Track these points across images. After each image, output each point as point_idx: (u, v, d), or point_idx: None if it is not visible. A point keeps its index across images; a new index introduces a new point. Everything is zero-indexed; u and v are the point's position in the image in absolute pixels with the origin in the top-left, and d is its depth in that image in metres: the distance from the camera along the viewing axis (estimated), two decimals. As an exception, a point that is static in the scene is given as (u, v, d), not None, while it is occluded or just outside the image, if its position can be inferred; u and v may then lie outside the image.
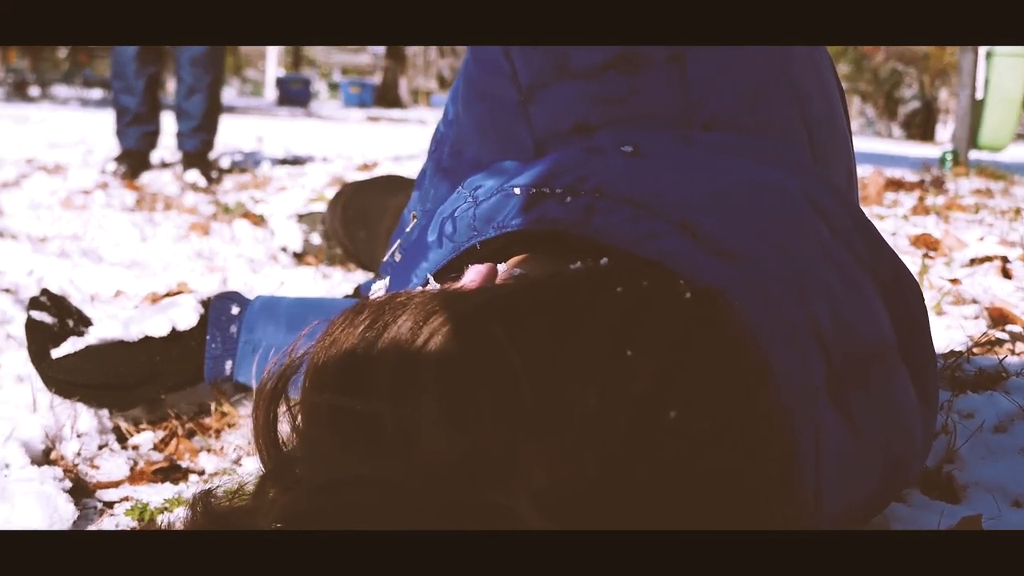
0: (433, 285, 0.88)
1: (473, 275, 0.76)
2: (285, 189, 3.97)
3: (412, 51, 31.32)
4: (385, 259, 1.31)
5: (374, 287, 1.07)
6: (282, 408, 0.66)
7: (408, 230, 1.21)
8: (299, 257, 2.56)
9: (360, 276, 2.34)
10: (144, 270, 2.26)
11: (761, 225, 0.79)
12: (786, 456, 0.66)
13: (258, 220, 3.08)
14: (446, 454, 0.55)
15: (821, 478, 0.74)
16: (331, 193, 3.66)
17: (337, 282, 2.28)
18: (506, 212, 0.84)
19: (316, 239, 2.54)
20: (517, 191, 0.84)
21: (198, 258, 2.47)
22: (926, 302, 0.90)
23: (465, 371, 0.58)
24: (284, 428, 0.65)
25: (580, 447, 0.54)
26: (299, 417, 0.64)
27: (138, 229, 2.78)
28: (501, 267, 0.81)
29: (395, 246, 1.20)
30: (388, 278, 1.02)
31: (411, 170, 4.79)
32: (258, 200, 3.62)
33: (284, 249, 2.59)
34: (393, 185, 1.99)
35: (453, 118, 1.14)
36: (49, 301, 1.31)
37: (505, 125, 0.99)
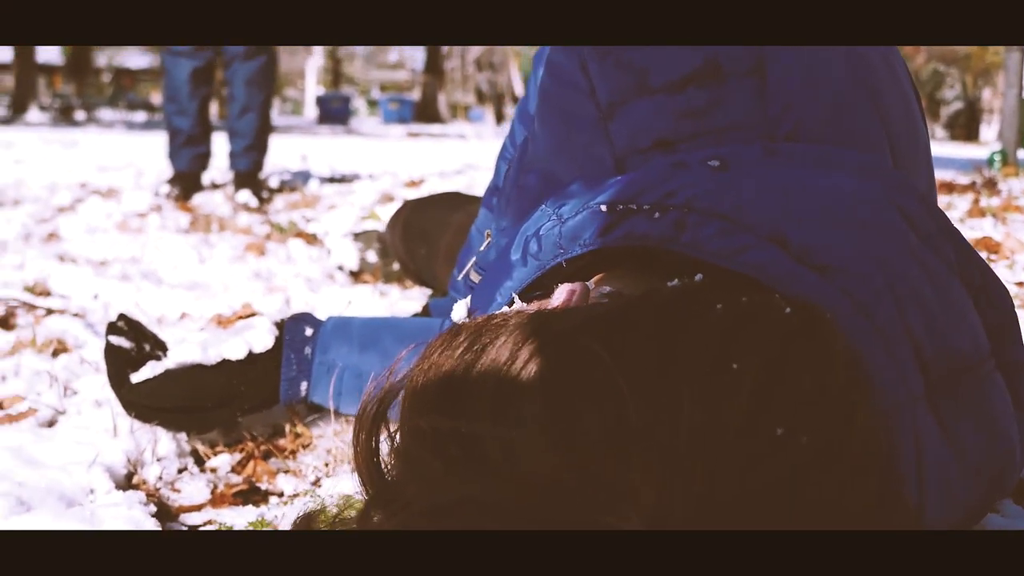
0: (519, 304, 0.87)
1: (564, 294, 0.76)
2: (335, 207, 3.99)
3: (450, 66, 31.49)
4: (459, 277, 1.31)
5: (456, 307, 1.07)
6: (383, 433, 0.66)
7: (482, 249, 1.21)
8: (356, 275, 2.57)
9: (417, 293, 2.35)
10: (205, 291, 2.28)
11: (851, 235, 0.78)
12: (889, 468, 0.65)
13: (312, 239, 3.10)
14: (552, 475, 0.55)
15: (923, 488, 0.73)
16: (382, 211, 3.68)
17: (395, 300, 2.29)
18: (593, 229, 0.83)
19: (372, 257, 2.55)
20: (603, 208, 0.83)
21: (257, 278, 2.48)
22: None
23: (568, 391, 0.58)
24: (384, 452, 0.65)
25: (688, 463, 0.54)
26: (400, 441, 0.64)
27: (195, 251, 2.81)
28: (589, 284, 0.81)
29: (469, 264, 1.20)
30: (469, 297, 1.02)
31: (458, 185, 4.81)
32: (309, 219, 3.65)
33: (341, 268, 2.60)
34: (453, 202, 2.00)
35: (529, 135, 1.14)
36: (126, 326, 1.33)
37: (584, 142, 0.99)
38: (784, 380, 0.59)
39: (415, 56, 37.68)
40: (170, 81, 4.14)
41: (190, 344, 1.29)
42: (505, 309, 0.85)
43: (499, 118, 32.26)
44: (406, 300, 2.28)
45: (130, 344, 1.30)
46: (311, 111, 29.76)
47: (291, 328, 1.30)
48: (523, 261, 0.90)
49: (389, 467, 0.64)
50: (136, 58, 34.23)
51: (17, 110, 18.80)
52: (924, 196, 0.86)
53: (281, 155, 6.56)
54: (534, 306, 0.77)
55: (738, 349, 0.59)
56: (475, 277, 1.17)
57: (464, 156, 8.58)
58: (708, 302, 0.64)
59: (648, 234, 0.80)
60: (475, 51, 33.58)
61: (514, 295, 0.90)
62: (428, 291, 2.28)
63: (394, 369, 0.68)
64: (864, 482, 0.59)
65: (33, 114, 18.12)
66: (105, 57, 31.49)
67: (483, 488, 0.57)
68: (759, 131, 0.92)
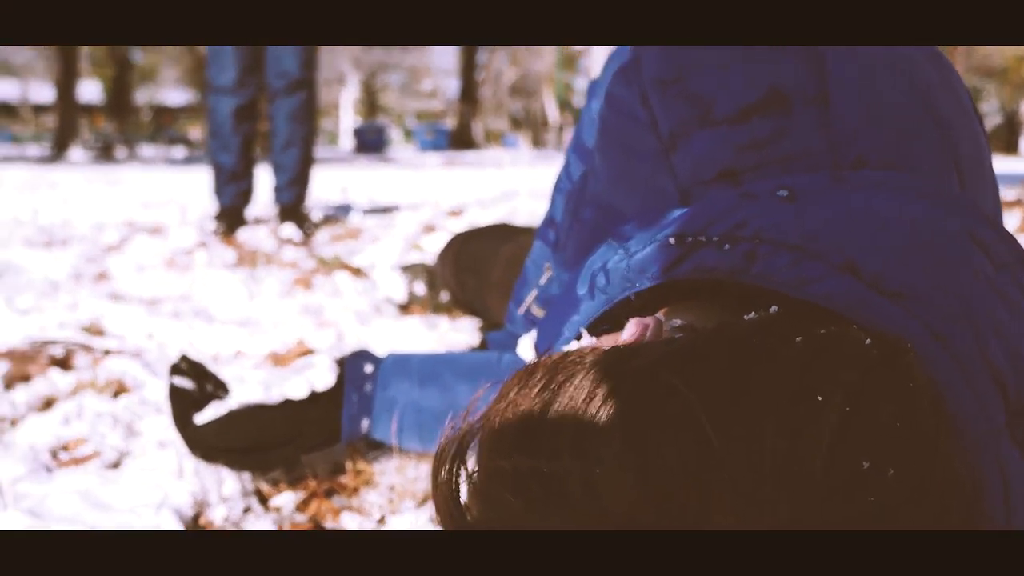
0: (587, 338, 0.87)
1: (637, 328, 0.76)
2: (378, 239, 4.02)
3: (484, 93, 31.70)
4: (520, 312, 1.31)
5: (521, 342, 1.07)
6: (462, 473, 0.66)
7: (543, 282, 1.21)
8: (404, 308, 2.58)
9: (466, 324, 2.35)
10: (257, 328, 2.29)
11: (925, 263, 0.77)
12: (976, 501, 0.64)
13: (358, 272, 3.12)
14: (631, 511, 0.55)
15: (1011, 521, 0.72)
16: (426, 242, 3.70)
17: (444, 331, 2.29)
18: (661, 262, 0.83)
19: (420, 289, 2.56)
20: (672, 241, 0.83)
21: (306, 313, 2.50)
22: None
23: (647, 426, 0.58)
24: (462, 492, 0.65)
25: (770, 497, 0.54)
26: (479, 481, 0.64)
27: (244, 287, 2.83)
28: (659, 318, 0.81)
29: (530, 298, 1.20)
30: (534, 332, 1.02)
31: (499, 214, 4.83)
32: (354, 252, 3.67)
33: (388, 300, 2.61)
34: (502, 233, 2.00)
35: (588, 168, 1.14)
36: (188, 367, 1.34)
37: (646, 174, 0.99)
38: (867, 412, 0.58)
39: (449, 84, 37.99)
40: (213, 118, 4.20)
41: (252, 384, 1.30)
42: (574, 344, 0.85)
43: (536, 143, 32.37)
44: (455, 331, 2.29)
45: (193, 385, 1.32)
46: (347, 142, 30.07)
47: (351, 365, 1.31)
48: (590, 295, 0.90)
49: (468, 507, 0.65)
50: (175, 95, 34.81)
51: (59, 149, 19.14)
52: (995, 222, 0.86)
53: (321, 187, 6.61)
54: (609, 341, 0.77)
55: (818, 381, 0.58)
56: (537, 311, 1.17)
57: (502, 183, 8.61)
58: (785, 334, 0.63)
59: (718, 266, 0.79)
60: (509, 78, 33.78)
61: (582, 329, 0.90)
62: (478, 322, 2.28)
63: (471, 408, 0.68)
64: (950, 516, 0.59)
65: (75, 153, 18.42)
66: (144, 95, 32.05)
67: (563, 526, 0.57)
68: (825, 159, 0.92)
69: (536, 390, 0.65)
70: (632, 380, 0.61)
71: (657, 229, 0.87)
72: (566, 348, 0.74)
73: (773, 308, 0.72)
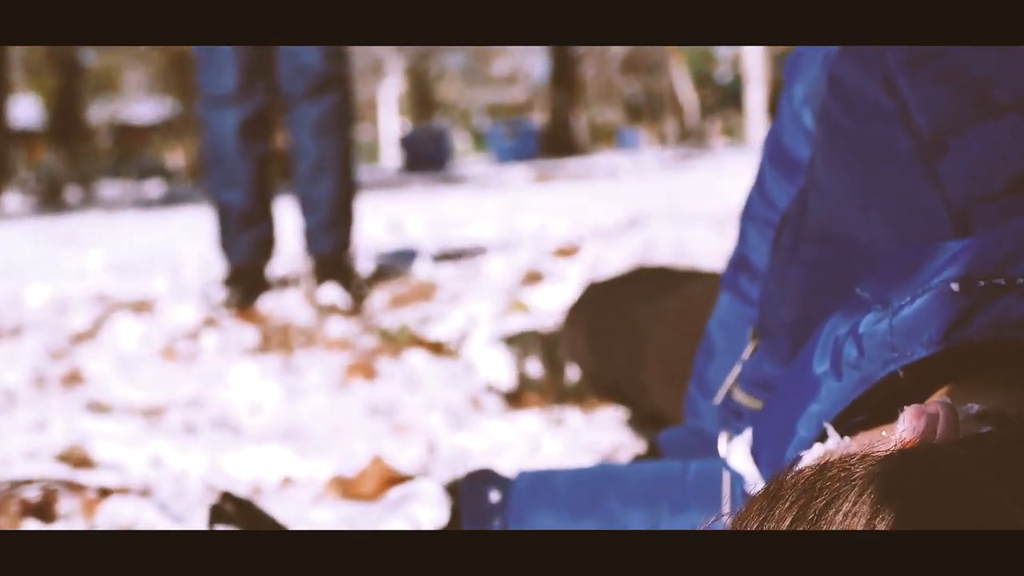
0: (836, 438, 0.87)
1: (918, 421, 0.75)
2: (461, 298, 4.03)
3: (586, 73, 31.81)
4: (716, 400, 1.31)
5: (731, 448, 1.08)
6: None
7: (747, 356, 1.21)
8: (514, 398, 2.58)
9: (608, 418, 2.35)
10: (307, 442, 2.32)
11: None
12: None
13: (439, 348, 3.14)
14: None
15: None
16: (532, 297, 3.71)
17: (578, 430, 2.29)
18: (943, 319, 0.83)
19: (535, 369, 2.56)
20: (955, 287, 0.83)
21: (374, 415, 2.52)
22: None
23: None
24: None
25: None
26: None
27: (278, 382, 2.86)
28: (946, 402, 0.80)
29: (729, 380, 1.20)
30: (748, 432, 1.02)
31: (632, 249, 4.82)
32: (428, 318, 3.68)
33: (491, 388, 2.62)
34: (658, 281, 2.01)
35: (808, 186, 1.15)
36: (235, 509, 1.36)
37: (900, 190, 0.99)
38: None
39: (534, 64, 38.11)
40: (211, 139, 4.25)
41: (325, 528, 1.32)
42: (818, 448, 0.85)
43: (684, 135, 32.25)
44: (593, 429, 2.29)
45: (243, 535, 1.34)
46: (391, 156, 30.39)
47: (470, 494, 1.32)
48: (835, 373, 0.90)
49: None
50: (143, 108, 35.50)
51: (-13, 197, 19.65)
52: None
53: (367, 225, 6.67)
54: (875, 441, 0.77)
55: None
56: (743, 399, 1.17)
57: (624, 202, 8.61)
58: None
59: None
60: (620, 49, 33.92)
61: (827, 425, 0.90)
62: (626, 412, 2.28)
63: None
64: None
65: (10, 200, 18.86)
66: (102, 111, 32.66)
67: None
68: None
69: (787, 523, 0.65)
70: (932, 502, 0.61)
71: (928, 272, 0.87)
72: (810, 455, 0.75)
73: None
